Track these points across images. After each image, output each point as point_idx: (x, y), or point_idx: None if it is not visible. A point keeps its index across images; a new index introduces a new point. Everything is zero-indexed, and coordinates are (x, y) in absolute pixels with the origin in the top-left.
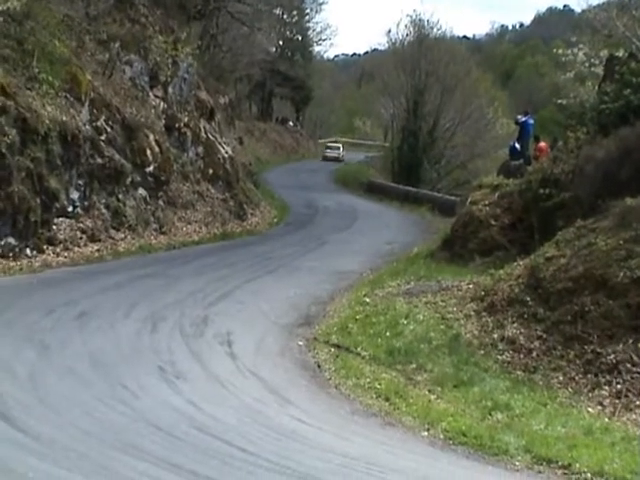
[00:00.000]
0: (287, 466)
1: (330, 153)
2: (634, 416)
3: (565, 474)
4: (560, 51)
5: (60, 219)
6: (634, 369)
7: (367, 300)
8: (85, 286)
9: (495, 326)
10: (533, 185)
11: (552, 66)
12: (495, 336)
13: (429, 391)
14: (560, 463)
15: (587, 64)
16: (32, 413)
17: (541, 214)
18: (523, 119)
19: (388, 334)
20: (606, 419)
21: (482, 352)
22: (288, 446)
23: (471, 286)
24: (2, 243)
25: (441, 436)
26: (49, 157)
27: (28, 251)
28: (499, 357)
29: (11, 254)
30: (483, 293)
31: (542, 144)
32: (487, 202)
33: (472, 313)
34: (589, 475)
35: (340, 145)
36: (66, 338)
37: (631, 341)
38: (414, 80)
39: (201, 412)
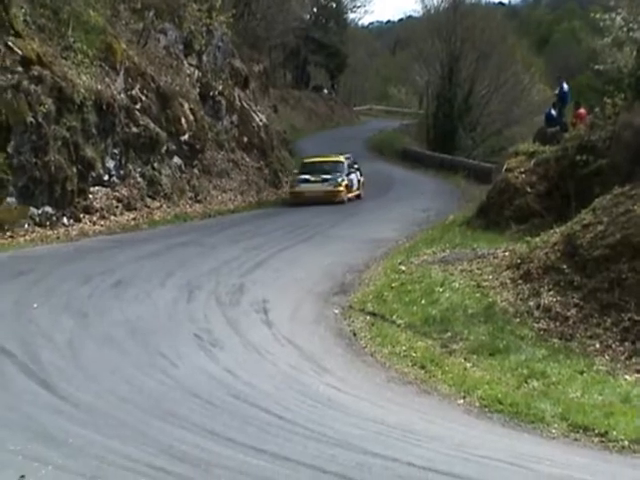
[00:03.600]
0: (323, 433)
1: (312, 187)
2: None
3: (602, 442)
4: (597, 16)
5: (96, 188)
6: None
7: (402, 268)
8: (121, 255)
9: (531, 294)
10: (570, 152)
11: (589, 31)
12: (531, 304)
13: (465, 359)
14: (597, 431)
15: (625, 29)
16: (72, 380)
17: (578, 181)
18: (565, 88)
19: (423, 302)
20: None
21: (518, 320)
22: (324, 413)
23: (507, 254)
24: (39, 212)
25: (477, 404)
26: (85, 126)
27: (65, 220)
28: (535, 325)
29: (48, 223)
30: (519, 261)
31: (582, 110)
32: (523, 169)
33: (508, 281)
34: (626, 443)
35: (344, 160)
36: (104, 306)
37: None
38: (449, 47)
39: (238, 380)
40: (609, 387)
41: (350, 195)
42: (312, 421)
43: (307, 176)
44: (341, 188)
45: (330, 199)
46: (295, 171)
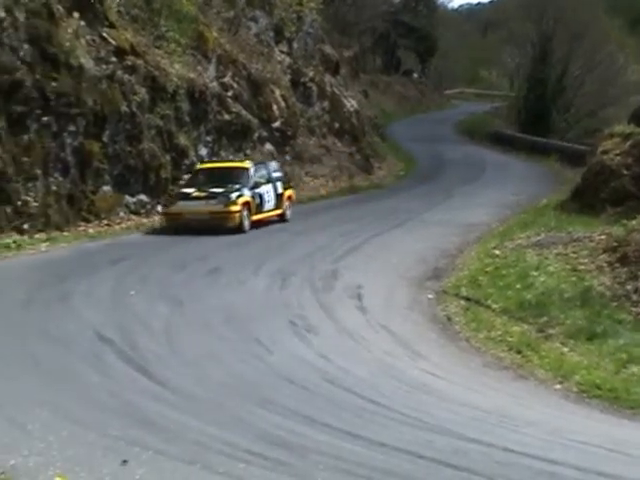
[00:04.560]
0: (419, 419)
1: (192, 206)
2: None
3: None
4: None
5: (190, 175)
6: None
7: (496, 252)
8: (215, 242)
9: (628, 277)
10: None
11: None
12: (629, 287)
13: (561, 344)
14: None
15: None
16: (169, 367)
17: None
18: None
19: (518, 286)
20: None
21: (615, 304)
22: (419, 399)
23: (603, 237)
24: (134, 200)
25: (574, 389)
26: (178, 114)
27: (159, 208)
28: (633, 309)
29: (143, 210)
30: (616, 244)
31: None
32: (619, 151)
33: (604, 264)
34: None
35: (249, 166)
36: (199, 293)
37: None
38: (540, 27)
39: (332, 365)
40: None
41: (258, 217)
42: (407, 406)
43: (191, 189)
44: (235, 208)
45: (218, 223)
46: (183, 181)
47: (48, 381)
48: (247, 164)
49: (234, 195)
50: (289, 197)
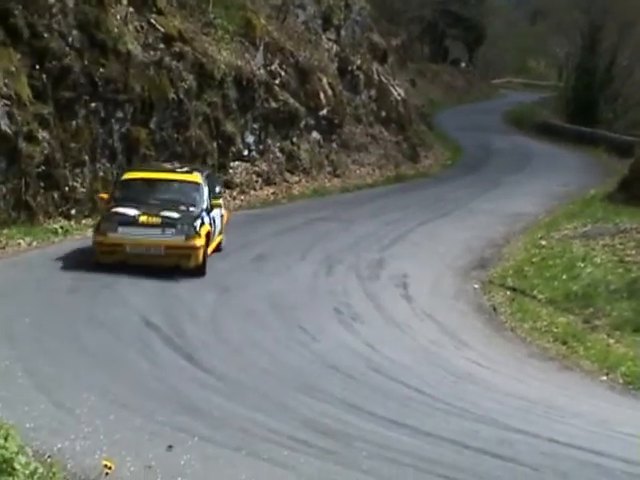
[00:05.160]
0: (464, 408)
1: (141, 236)
2: None
3: None
4: None
5: (236, 163)
6: None
7: (543, 243)
8: (261, 229)
9: None
10: None
11: None
12: None
13: (607, 335)
14: None
15: None
16: (215, 354)
17: None
18: None
19: (565, 277)
20: None
21: None
22: (465, 388)
23: None
24: None
25: (620, 380)
26: (225, 102)
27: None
28: None
29: None
30: None
31: None
32: None
33: None
34: None
35: (201, 180)
36: (244, 280)
37: None
38: (589, 16)
39: (378, 354)
40: None
41: (210, 251)
42: (453, 396)
43: (133, 210)
44: (199, 242)
45: (176, 262)
46: (106, 194)
47: (95, 366)
48: (197, 177)
49: (196, 224)
50: (226, 219)
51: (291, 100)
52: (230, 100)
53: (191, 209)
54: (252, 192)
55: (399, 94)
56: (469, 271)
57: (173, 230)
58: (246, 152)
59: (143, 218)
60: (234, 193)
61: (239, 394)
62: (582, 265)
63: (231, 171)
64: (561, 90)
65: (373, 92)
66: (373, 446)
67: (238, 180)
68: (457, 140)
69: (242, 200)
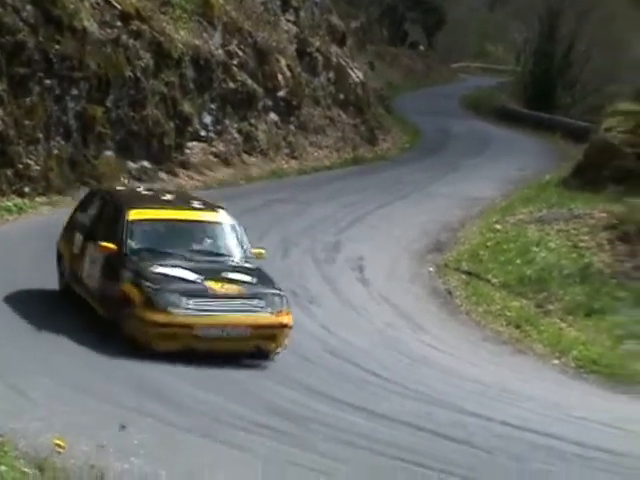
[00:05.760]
0: (419, 391)
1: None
2: None
3: None
4: None
5: (193, 143)
6: None
7: (498, 227)
8: None
9: (629, 255)
10: None
11: None
12: (629, 265)
13: (560, 319)
14: None
15: None
16: None
17: None
18: None
19: (519, 261)
20: None
21: (615, 281)
22: (420, 371)
23: (604, 214)
24: (137, 166)
25: (572, 364)
26: (182, 81)
27: (162, 174)
28: (631, 286)
29: (146, 177)
30: (616, 222)
31: None
32: (623, 129)
33: (604, 242)
34: None
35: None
36: None
37: None
38: (548, 2)
39: (334, 336)
40: None
41: None
42: (408, 379)
43: (187, 272)
44: (287, 318)
45: (257, 345)
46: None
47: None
48: (226, 217)
49: (278, 298)
50: None
51: (249, 81)
52: (187, 80)
53: (248, 265)
54: (209, 173)
55: (358, 77)
56: (425, 254)
57: (258, 302)
58: (203, 132)
59: (212, 284)
60: (191, 173)
61: (200, 378)
62: (536, 250)
63: (188, 151)
64: (519, 75)
65: (332, 74)
66: (329, 428)
67: (195, 160)
68: (416, 124)
69: (199, 181)
